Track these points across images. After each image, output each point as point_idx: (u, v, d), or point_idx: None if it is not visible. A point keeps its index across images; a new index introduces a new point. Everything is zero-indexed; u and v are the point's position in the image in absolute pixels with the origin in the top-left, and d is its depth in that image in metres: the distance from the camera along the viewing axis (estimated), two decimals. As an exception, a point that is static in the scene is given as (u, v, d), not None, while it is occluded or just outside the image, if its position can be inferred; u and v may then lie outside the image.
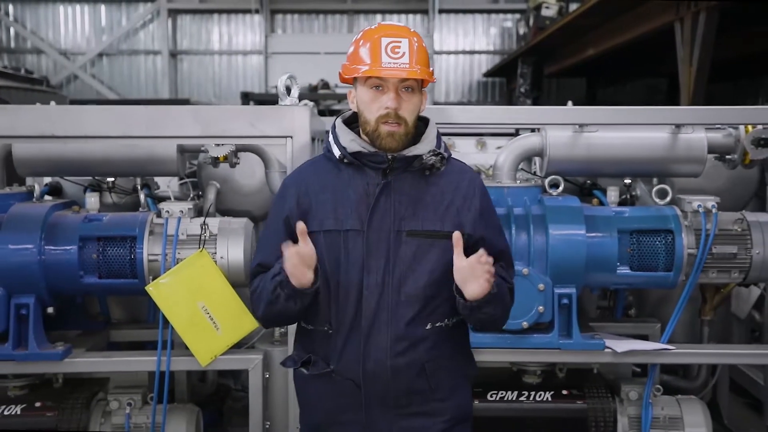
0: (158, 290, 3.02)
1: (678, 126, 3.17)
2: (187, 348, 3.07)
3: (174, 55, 17.65)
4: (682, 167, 3.24)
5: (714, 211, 3.10)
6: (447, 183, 2.21)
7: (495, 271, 2.11)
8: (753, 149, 3.13)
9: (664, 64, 10.15)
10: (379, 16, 17.62)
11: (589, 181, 3.68)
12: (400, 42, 2.12)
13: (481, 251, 2.04)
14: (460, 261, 2.05)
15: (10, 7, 17.42)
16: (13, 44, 17.54)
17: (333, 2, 17.48)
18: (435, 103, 17.39)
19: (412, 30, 2.20)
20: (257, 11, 17.31)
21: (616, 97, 17.36)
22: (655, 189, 3.26)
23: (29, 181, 3.60)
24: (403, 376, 2.15)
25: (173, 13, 17.55)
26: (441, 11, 17.53)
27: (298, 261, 2.02)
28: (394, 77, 2.09)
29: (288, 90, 3.09)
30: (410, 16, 17.69)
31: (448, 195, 2.20)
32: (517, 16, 17.23)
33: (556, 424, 3.21)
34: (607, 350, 3.06)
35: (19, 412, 3.12)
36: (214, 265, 3.06)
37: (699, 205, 3.12)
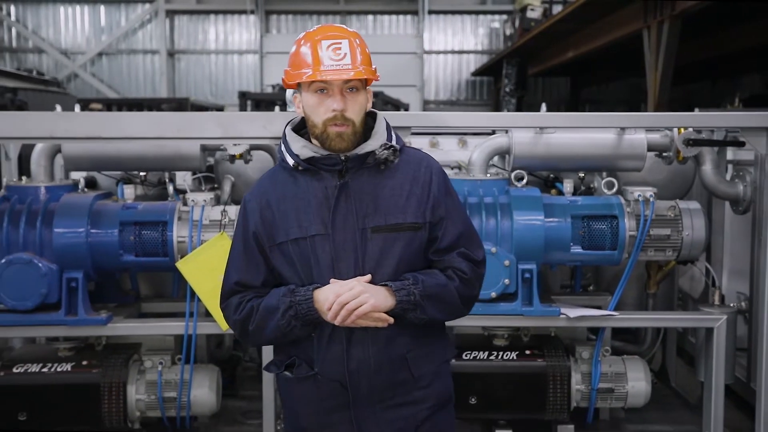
0: (186, 266, 3.60)
1: (623, 129, 3.78)
2: (209, 316, 3.65)
3: (172, 54, 18.16)
4: (626, 163, 3.84)
5: (651, 200, 3.71)
6: (404, 174, 2.21)
7: (447, 264, 2.19)
8: (684, 148, 3.73)
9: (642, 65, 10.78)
10: (370, 17, 18.21)
11: (552, 175, 4.28)
12: (341, 43, 2.11)
13: (347, 285, 2.08)
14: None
15: (12, 8, 17.90)
16: (14, 44, 18.03)
17: (326, 3, 18.03)
18: (425, 101, 18.02)
19: (351, 30, 2.20)
20: (252, 12, 17.83)
21: (600, 95, 17.96)
22: (603, 182, 3.86)
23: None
24: (387, 370, 2.19)
25: (171, 13, 18.06)
26: (430, 12, 18.11)
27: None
28: (337, 79, 2.08)
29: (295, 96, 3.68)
30: (401, 17, 18.26)
31: (407, 185, 2.20)
32: (504, 17, 17.81)
33: (520, 379, 3.80)
34: (561, 316, 3.65)
35: (69, 369, 3.70)
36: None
37: (639, 195, 3.73)
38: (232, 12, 18.04)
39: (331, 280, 2.11)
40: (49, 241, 3.55)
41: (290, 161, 2.19)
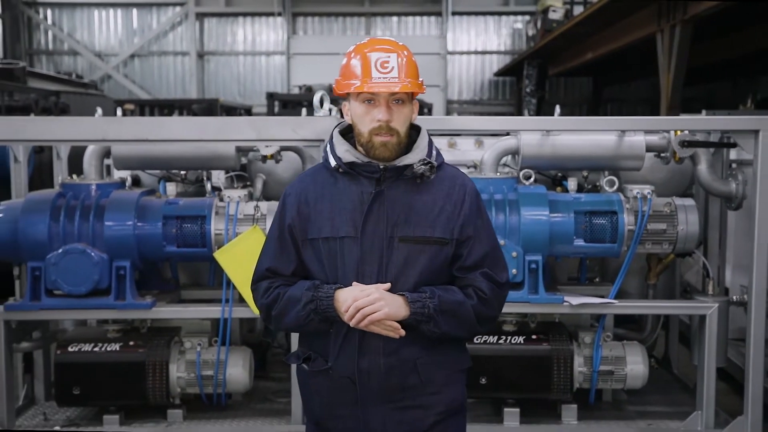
0: (223, 256, 3.97)
1: (623, 131, 4.09)
2: (242, 302, 4.03)
3: (201, 55, 18.67)
4: (626, 163, 4.15)
5: (649, 196, 4.01)
6: (438, 190, 2.30)
7: (468, 283, 2.28)
8: (679, 149, 4.03)
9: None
10: (395, 19, 18.57)
11: (560, 174, 4.60)
12: (389, 57, 2.22)
13: (366, 295, 2.18)
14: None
15: (48, 12, 18.53)
16: (51, 47, 18.66)
17: (351, 5, 18.43)
18: (448, 101, 18.33)
19: (401, 44, 2.31)
20: (280, 14, 18.30)
21: (622, 94, 18.18)
22: (605, 180, 4.17)
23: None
24: (396, 373, 2.27)
25: (200, 16, 18.58)
26: (454, 13, 18.44)
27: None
28: (384, 92, 2.20)
29: (321, 103, 4.06)
30: (425, 18, 18.61)
31: (440, 201, 2.29)
32: (527, 18, 18.08)
33: (527, 362, 4.12)
34: (565, 304, 3.98)
35: (117, 349, 4.09)
36: (264, 237, 4.01)
37: (638, 192, 4.03)
38: (260, 14, 18.52)
39: (354, 284, 2.23)
40: (101, 233, 3.94)
41: (333, 162, 2.31)
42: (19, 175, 4.39)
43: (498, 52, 18.72)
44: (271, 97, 13.04)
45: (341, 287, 2.24)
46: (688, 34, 7.36)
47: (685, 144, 4.02)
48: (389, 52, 2.23)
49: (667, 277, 4.69)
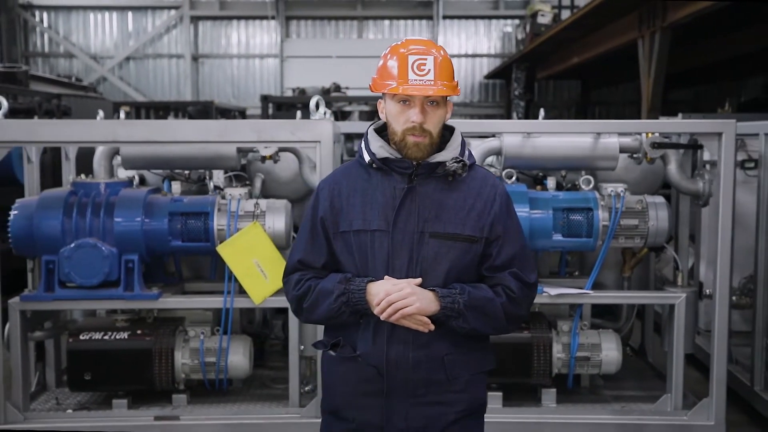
0: (225, 250, 4.25)
1: (598, 134, 4.39)
2: (244, 293, 4.30)
3: (195, 58, 18.90)
4: (601, 163, 4.44)
5: (622, 194, 4.31)
6: (469, 189, 2.34)
7: (497, 282, 2.33)
8: (650, 150, 4.34)
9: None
10: (387, 22, 18.85)
11: (540, 174, 4.90)
12: (426, 59, 2.25)
13: (401, 289, 2.24)
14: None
15: (45, 15, 18.74)
16: (47, 49, 18.85)
17: (344, 9, 18.69)
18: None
19: (437, 45, 2.35)
20: (273, 17, 18.54)
21: (609, 97, 18.52)
22: (582, 179, 4.47)
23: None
24: (423, 367, 2.31)
25: (195, 19, 18.81)
26: (445, 17, 18.72)
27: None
28: (420, 95, 2.24)
29: (317, 106, 4.35)
30: (416, 21, 18.89)
31: (470, 200, 2.32)
32: (517, 21, 18.40)
33: (509, 348, 4.38)
34: (544, 294, 4.27)
35: (126, 337, 4.36)
36: (263, 232, 4.28)
37: (612, 191, 4.33)
38: (254, 18, 18.76)
39: (386, 277, 2.28)
40: (111, 228, 4.21)
41: (367, 158, 2.36)
42: (32, 174, 4.66)
43: (488, 55, 19.02)
44: (265, 99, 13.29)
45: (373, 280, 2.29)
46: (667, 41, 7.68)
47: (656, 145, 4.33)
48: (426, 54, 2.26)
49: (642, 270, 4.99)
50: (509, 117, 15.66)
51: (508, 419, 4.31)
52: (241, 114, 15.56)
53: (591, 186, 4.45)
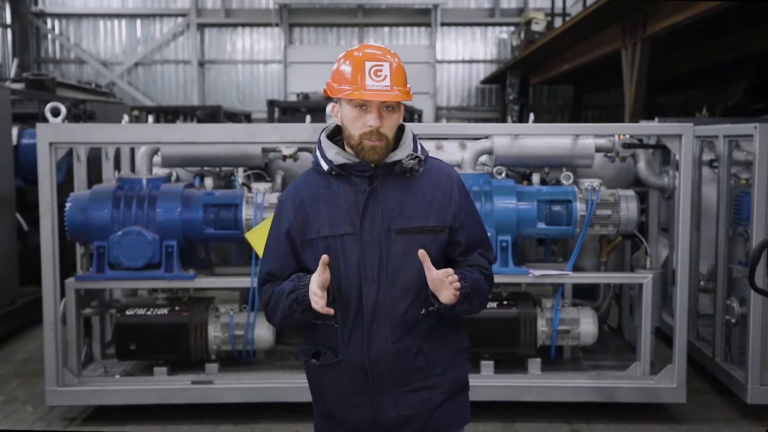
0: (252, 237, 4.88)
1: (576, 135, 5.04)
2: (268, 274, 4.94)
3: (202, 64, 19.54)
4: (579, 161, 5.09)
5: (597, 188, 4.95)
6: (427, 181, 2.41)
7: (472, 262, 2.42)
8: (621, 149, 4.99)
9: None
10: (387, 29, 19.51)
11: (527, 170, 5.54)
12: (382, 66, 2.29)
13: (448, 270, 2.29)
14: (431, 274, 2.28)
15: (56, 22, 19.40)
16: (58, 55, 19.51)
17: (345, 17, 19.36)
18: (437, 107, 19.28)
19: (392, 52, 2.39)
20: (277, 24, 19.21)
21: (601, 101, 19.18)
22: (562, 175, 5.11)
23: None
24: (404, 358, 2.38)
25: (201, 26, 19.45)
26: (443, 24, 19.39)
27: (322, 294, 2.27)
28: (377, 100, 2.28)
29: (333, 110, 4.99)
30: (415, 29, 19.55)
31: (430, 192, 2.40)
32: (512, 28, 19.09)
33: (499, 323, 5.03)
34: (529, 275, 4.91)
35: (166, 313, 4.99)
36: (286, 221, 4.93)
37: (588, 185, 4.97)
38: (258, 25, 19.42)
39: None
40: (153, 217, 4.85)
41: (325, 166, 2.40)
42: (81, 172, 5.30)
43: (484, 61, 19.68)
44: (271, 104, 13.89)
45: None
46: (648, 51, 8.33)
47: (626, 146, 4.99)
48: (382, 61, 2.31)
49: (617, 257, 5.64)
50: (504, 121, 16.32)
51: (499, 384, 4.96)
52: (247, 118, 16.14)
53: (570, 181, 5.09)
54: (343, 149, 2.40)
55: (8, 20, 18.73)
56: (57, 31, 19.41)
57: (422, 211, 2.39)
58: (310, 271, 2.37)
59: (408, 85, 2.38)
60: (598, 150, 5.09)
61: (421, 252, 2.27)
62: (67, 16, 19.34)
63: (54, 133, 4.62)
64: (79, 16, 19.34)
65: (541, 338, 5.08)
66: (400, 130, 2.45)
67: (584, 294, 5.74)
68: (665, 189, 5.12)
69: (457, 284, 2.28)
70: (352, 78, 2.30)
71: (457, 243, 2.44)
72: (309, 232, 2.40)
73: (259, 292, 2.54)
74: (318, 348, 2.46)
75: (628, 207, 4.99)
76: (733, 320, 5.18)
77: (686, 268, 4.81)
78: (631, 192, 5.07)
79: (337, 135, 2.46)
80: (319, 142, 2.47)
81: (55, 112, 4.76)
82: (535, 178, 5.16)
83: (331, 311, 2.29)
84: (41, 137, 4.61)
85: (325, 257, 2.26)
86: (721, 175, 5.34)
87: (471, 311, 2.43)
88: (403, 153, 2.39)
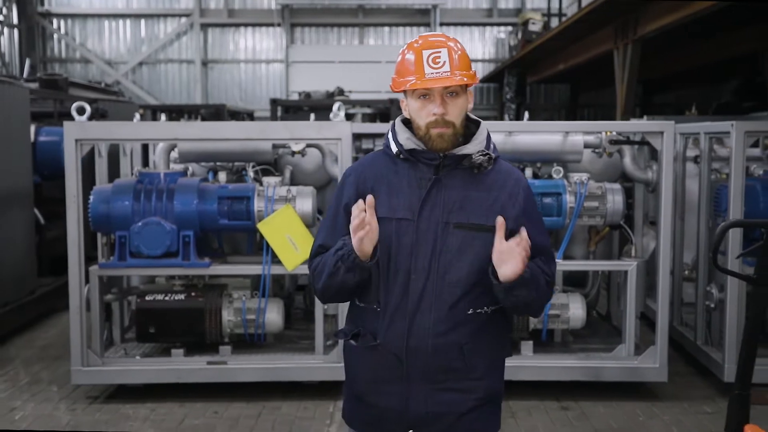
0: (264, 227, 5.23)
1: (566, 132, 5.39)
2: (278, 262, 5.28)
3: (205, 63, 19.89)
4: (569, 156, 5.44)
5: (585, 182, 5.30)
6: (494, 181, 2.35)
7: (533, 261, 2.32)
8: (608, 145, 5.35)
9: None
10: (387, 29, 19.87)
11: (521, 166, 5.89)
12: (440, 52, 2.27)
13: (522, 234, 2.22)
14: (500, 244, 2.22)
15: (62, 22, 19.75)
16: (63, 55, 19.86)
17: (346, 17, 19.73)
18: (436, 106, 19.60)
19: (452, 38, 2.36)
20: (279, 25, 19.57)
21: (597, 100, 19.54)
22: (553, 170, 5.46)
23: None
24: (442, 355, 2.33)
25: (204, 26, 19.81)
26: (442, 24, 19.73)
27: (366, 228, 2.23)
28: (437, 87, 2.26)
29: (339, 109, 5.35)
30: (414, 28, 19.89)
31: (495, 192, 2.34)
32: (509, 28, 19.45)
33: (494, 308, 5.40)
34: (522, 262, 5.25)
35: (183, 298, 5.34)
36: (294, 212, 5.26)
37: (577, 179, 5.32)
38: (260, 25, 19.79)
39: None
40: (171, 209, 5.19)
41: (394, 149, 2.39)
42: (102, 166, 5.66)
43: (483, 61, 20.04)
44: (274, 102, 14.21)
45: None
46: (638, 52, 8.68)
47: (612, 142, 5.34)
48: (440, 47, 2.29)
49: (605, 246, 5.99)
50: (502, 119, 16.66)
51: None
52: (250, 116, 16.49)
53: (561, 175, 5.44)
54: (415, 138, 2.39)
55: (15, 20, 19.07)
56: (63, 30, 19.77)
57: (484, 210, 2.34)
58: None
59: (473, 70, 2.35)
60: (586, 146, 5.44)
61: (500, 220, 2.23)
62: (73, 16, 19.70)
63: (79, 131, 4.97)
64: (85, 16, 19.70)
65: (533, 322, 5.43)
66: (476, 125, 2.43)
67: (575, 282, 6.11)
68: (649, 183, 5.47)
69: (527, 251, 2.20)
70: (413, 68, 2.30)
71: None
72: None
73: (309, 263, 2.51)
74: (359, 329, 2.45)
75: (614, 199, 5.33)
76: (713, 305, 5.54)
77: (668, 256, 5.17)
78: (617, 185, 5.42)
79: (410, 124, 2.44)
80: (393, 125, 2.47)
81: (81, 111, 5.10)
82: (528, 172, 5.51)
83: (369, 253, 2.26)
84: (68, 134, 4.97)
85: (370, 197, 2.25)
86: (703, 170, 5.70)
87: (527, 305, 2.35)
88: (474, 148, 2.36)
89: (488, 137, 2.42)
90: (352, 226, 2.25)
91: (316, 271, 2.44)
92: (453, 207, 2.33)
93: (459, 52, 2.31)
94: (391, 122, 2.50)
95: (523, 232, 2.24)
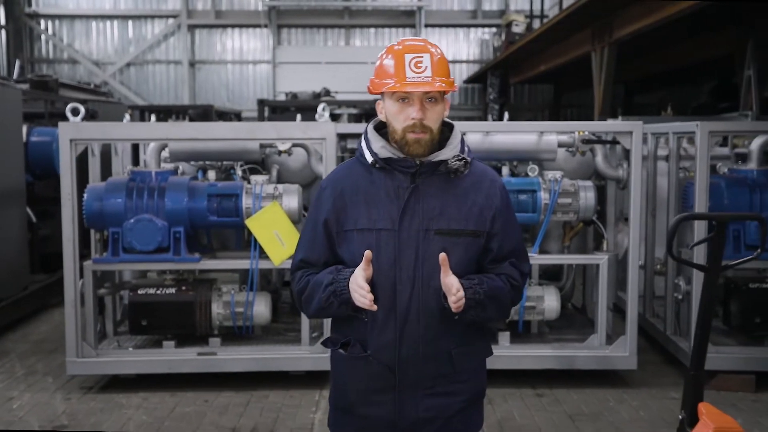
0: (251, 223, 5.44)
1: (541, 132, 5.65)
2: (265, 257, 5.50)
3: (192, 64, 20.02)
4: (543, 155, 5.70)
5: (559, 179, 5.55)
6: (471, 184, 2.36)
7: (501, 272, 2.38)
8: (581, 145, 5.61)
9: (618, 73, 12.63)
10: (372, 30, 20.09)
11: (498, 164, 6.15)
12: (422, 57, 2.26)
13: (458, 285, 2.24)
14: (445, 278, 2.25)
15: (49, 23, 19.85)
16: (51, 55, 19.96)
17: (332, 18, 19.93)
18: (422, 106, 19.86)
19: (432, 43, 2.35)
20: (266, 26, 19.75)
21: (580, 100, 19.85)
22: (528, 168, 5.71)
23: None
24: (432, 362, 2.35)
25: (192, 27, 19.94)
26: (427, 25, 19.97)
27: (368, 290, 2.24)
28: (418, 91, 2.24)
29: (324, 110, 5.59)
30: (400, 29, 20.12)
31: (472, 195, 2.35)
32: (494, 30, 19.74)
33: (473, 300, 5.64)
34: (499, 256, 5.51)
35: (174, 292, 5.55)
36: (281, 209, 5.48)
37: (551, 176, 5.58)
38: (248, 26, 19.95)
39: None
40: (162, 206, 5.40)
41: (369, 158, 2.37)
42: (95, 166, 5.86)
43: (467, 61, 20.28)
44: (261, 103, 14.40)
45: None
46: (614, 54, 8.97)
47: (584, 141, 5.60)
48: (423, 52, 2.28)
49: (580, 242, 6.26)
50: (486, 119, 16.94)
51: None
52: (237, 117, 16.65)
53: (536, 173, 5.69)
54: (390, 144, 2.37)
55: (2, 21, 19.16)
56: (50, 31, 19.86)
57: (463, 214, 2.35)
58: (344, 263, 2.39)
59: (452, 77, 2.36)
60: (560, 145, 5.70)
61: (442, 255, 2.24)
62: (60, 17, 19.79)
63: (74, 131, 5.18)
64: (72, 17, 19.79)
65: (510, 314, 5.67)
66: (449, 129, 2.42)
67: (551, 276, 6.38)
68: (620, 180, 5.74)
69: (460, 303, 2.24)
70: (394, 71, 2.28)
71: (489, 250, 2.41)
72: (346, 223, 2.37)
73: (291, 277, 2.51)
74: (348, 339, 2.44)
75: (587, 196, 5.59)
76: (680, 297, 5.81)
77: (637, 250, 5.43)
78: (589, 182, 5.68)
79: (382, 129, 2.43)
80: (366, 133, 2.43)
81: (75, 112, 5.30)
82: (505, 170, 5.76)
83: (375, 307, 2.26)
84: (63, 134, 5.17)
85: (368, 253, 2.25)
86: (671, 168, 5.97)
87: (487, 318, 2.39)
88: (449, 153, 2.36)
89: (462, 141, 2.42)
90: (356, 295, 2.27)
91: (305, 296, 2.44)
92: (432, 214, 2.33)
93: (439, 58, 2.32)
94: (365, 129, 2.47)
95: (454, 287, 2.24)
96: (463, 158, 2.35)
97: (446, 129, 2.41)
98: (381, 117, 2.40)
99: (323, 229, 2.41)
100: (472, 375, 2.45)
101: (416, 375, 2.36)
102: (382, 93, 2.35)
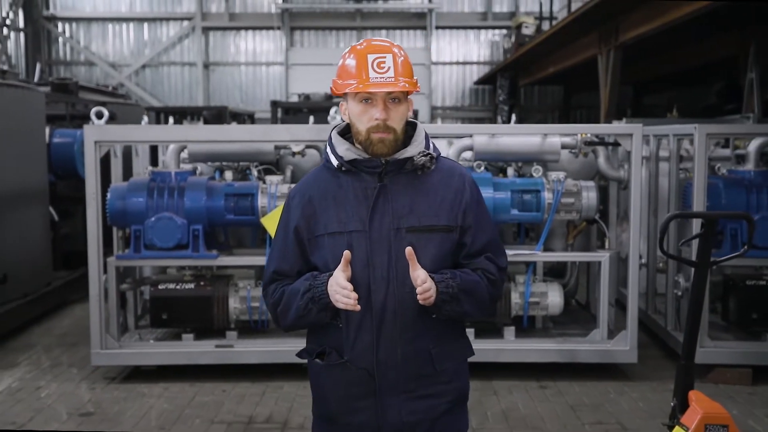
0: (267, 221, 5.69)
1: (545, 134, 5.86)
2: (280, 254, 5.75)
3: (207, 66, 20.35)
4: (547, 156, 5.91)
5: (562, 180, 5.76)
6: (439, 180, 2.34)
7: (476, 266, 2.36)
8: (583, 146, 5.82)
9: (628, 74, 12.83)
10: (384, 32, 20.34)
11: (504, 165, 6.37)
12: (385, 57, 2.24)
13: (426, 280, 2.22)
14: (414, 272, 2.23)
15: (67, 26, 20.24)
16: (68, 57, 20.34)
17: (345, 20, 20.22)
18: (432, 107, 20.12)
19: (395, 44, 2.32)
20: (279, 28, 20.06)
21: (590, 101, 20.01)
22: (533, 169, 5.93)
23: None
24: (412, 362, 2.31)
25: (206, 29, 20.28)
26: (438, 27, 20.24)
27: (351, 290, 2.21)
28: (382, 91, 2.22)
29: (336, 112, 5.83)
30: (411, 31, 20.39)
31: (441, 191, 2.33)
32: (504, 31, 19.94)
33: (479, 296, 5.87)
34: (504, 254, 5.73)
35: (192, 287, 5.81)
36: (295, 209, 5.74)
37: (555, 177, 5.79)
38: (261, 28, 20.29)
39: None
40: (182, 205, 5.65)
41: (334, 162, 2.35)
42: (117, 166, 6.12)
43: (478, 63, 20.50)
44: (274, 104, 14.66)
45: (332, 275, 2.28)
46: (620, 57, 9.16)
47: (587, 143, 5.82)
48: (385, 52, 2.26)
49: (584, 240, 6.47)
50: (495, 120, 17.15)
51: (478, 347, 5.59)
52: (251, 118, 16.93)
53: (540, 174, 5.91)
54: (354, 146, 2.35)
55: (21, 24, 19.54)
56: (68, 34, 20.24)
57: (433, 210, 2.33)
58: (319, 268, 2.36)
59: (415, 77, 2.33)
60: (563, 147, 5.91)
61: (408, 249, 2.23)
62: (77, 19, 20.18)
63: (99, 133, 5.45)
64: (89, 20, 20.17)
65: (514, 309, 5.90)
66: (412, 127, 2.41)
67: (556, 273, 6.59)
68: (622, 180, 5.94)
69: (426, 295, 2.23)
70: (356, 72, 2.26)
71: (463, 244, 2.39)
72: (317, 229, 2.35)
73: (264, 293, 2.50)
74: (323, 348, 2.41)
75: (589, 195, 5.80)
76: (680, 293, 6.01)
77: (637, 247, 5.64)
78: (591, 183, 5.89)
79: (347, 134, 2.41)
80: (330, 138, 2.42)
81: (99, 115, 5.57)
82: (510, 171, 5.98)
83: (359, 307, 2.23)
84: (88, 137, 5.43)
85: (347, 253, 2.24)
86: (672, 168, 6.17)
87: (463, 314, 2.35)
88: (414, 150, 2.35)
89: (427, 137, 2.41)
90: (337, 296, 2.24)
91: (280, 308, 2.40)
92: (402, 212, 2.32)
93: (402, 59, 2.30)
94: (329, 135, 2.46)
95: (420, 279, 2.23)
96: (429, 153, 2.35)
97: (410, 128, 2.40)
98: (344, 118, 2.40)
99: (294, 237, 2.38)
100: (453, 376, 2.43)
101: (396, 377, 2.34)
102: (345, 94, 2.33)
